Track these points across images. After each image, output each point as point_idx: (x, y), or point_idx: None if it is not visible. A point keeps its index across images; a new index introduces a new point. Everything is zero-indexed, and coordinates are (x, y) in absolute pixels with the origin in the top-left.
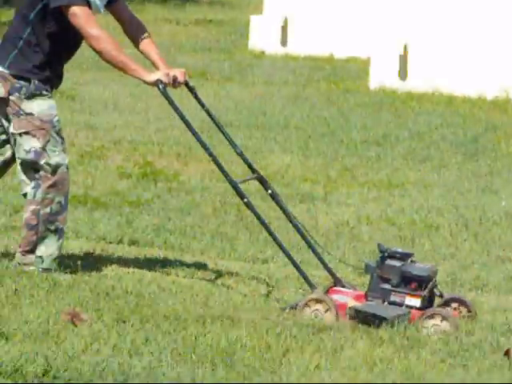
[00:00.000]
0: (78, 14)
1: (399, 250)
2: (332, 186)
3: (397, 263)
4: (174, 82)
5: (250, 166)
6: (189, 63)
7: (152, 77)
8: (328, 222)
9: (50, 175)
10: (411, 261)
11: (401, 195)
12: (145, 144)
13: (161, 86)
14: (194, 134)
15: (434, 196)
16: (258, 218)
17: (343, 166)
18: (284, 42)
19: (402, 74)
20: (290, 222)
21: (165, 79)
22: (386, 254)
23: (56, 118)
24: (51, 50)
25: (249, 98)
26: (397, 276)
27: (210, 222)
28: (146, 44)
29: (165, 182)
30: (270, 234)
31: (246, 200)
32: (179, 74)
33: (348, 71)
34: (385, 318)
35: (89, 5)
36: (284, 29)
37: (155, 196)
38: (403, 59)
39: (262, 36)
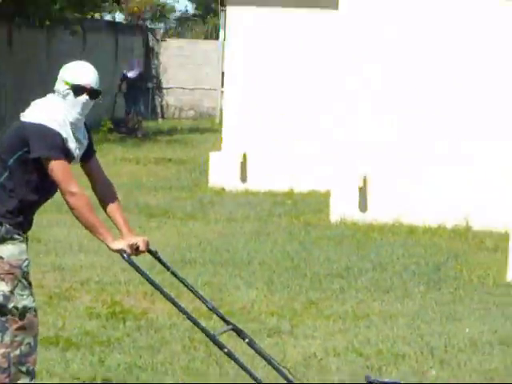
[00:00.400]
0: (57, 168)
1: (386, 380)
2: (298, 319)
3: None
4: (137, 251)
5: (223, 319)
6: (150, 202)
7: (116, 245)
8: (296, 355)
9: (17, 319)
10: None
11: (366, 326)
12: (112, 284)
13: (125, 255)
14: (168, 298)
15: (399, 325)
16: (241, 366)
17: (308, 299)
18: (244, 178)
19: (362, 205)
20: (272, 365)
21: (128, 250)
22: None
23: (25, 263)
24: (26, 197)
25: (212, 235)
26: None
27: (180, 359)
28: (113, 208)
29: (133, 320)
30: (254, 378)
31: (226, 350)
32: (141, 243)
33: (308, 205)
34: None
35: (68, 156)
36: (243, 165)
37: (125, 334)
38: (363, 191)
39: (221, 173)
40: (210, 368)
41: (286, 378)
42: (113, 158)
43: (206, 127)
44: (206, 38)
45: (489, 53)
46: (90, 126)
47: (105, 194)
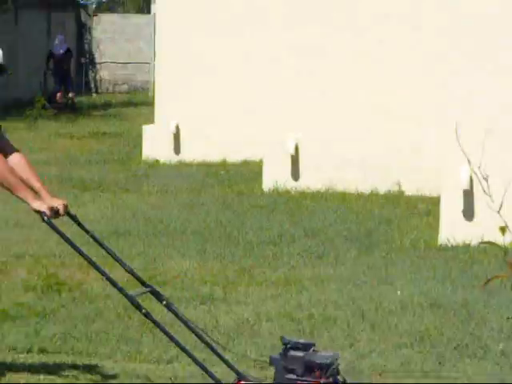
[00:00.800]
0: None
1: (301, 340)
2: (231, 286)
3: (300, 353)
4: (56, 214)
5: (141, 281)
6: (84, 176)
7: (37, 205)
8: (229, 321)
9: None
10: (313, 350)
11: (298, 291)
12: (47, 257)
13: (45, 218)
14: (87, 259)
15: (331, 290)
16: (158, 325)
17: (241, 266)
18: (177, 150)
19: (295, 173)
20: (187, 326)
21: (48, 213)
22: (289, 346)
23: None
24: None
25: (145, 207)
26: (301, 366)
27: (114, 328)
28: (27, 175)
29: (68, 291)
30: (171, 338)
31: (144, 311)
32: (61, 207)
33: (241, 175)
34: None
35: None
36: (176, 137)
37: (60, 306)
38: (295, 159)
39: (155, 145)
40: (144, 336)
41: (200, 337)
42: (47, 133)
43: (140, 101)
44: (138, 12)
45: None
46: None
47: (16, 163)
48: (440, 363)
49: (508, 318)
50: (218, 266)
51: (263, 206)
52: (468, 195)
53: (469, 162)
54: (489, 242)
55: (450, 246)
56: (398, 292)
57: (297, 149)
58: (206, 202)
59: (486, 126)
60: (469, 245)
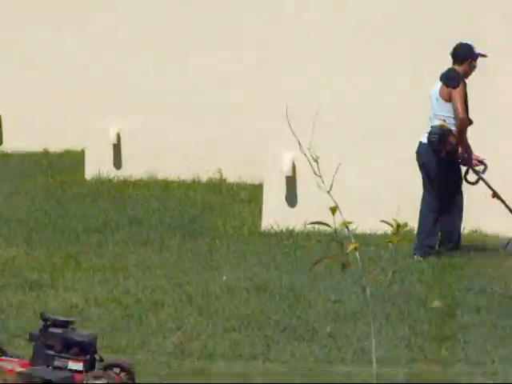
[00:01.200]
0: None
1: (60, 318)
2: (58, 272)
3: (59, 330)
4: None
5: None
6: None
7: None
8: (57, 307)
9: None
10: (72, 328)
11: (125, 277)
12: None
13: None
14: None
15: (157, 276)
16: None
17: (67, 253)
18: None
19: (117, 162)
20: None
21: None
22: (49, 323)
23: None
24: None
25: None
26: (59, 342)
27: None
28: None
29: None
30: None
31: None
32: None
33: (64, 164)
34: (50, 381)
35: None
36: None
37: None
38: (117, 148)
39: None
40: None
41: None
42: None
43: None
44: None
45: None
46: None
47: None
48: (268, 346)
49: (334, 301)
50: (45, 254)
51: (86, 195)
52: (291, 181)
53: (299, 144)
54: (319, 222)
55: (273, 232)
56: (224, 277)
57: (119, 137)
58: (29, 192)
59: (312, 111)
60: (292, 230)
